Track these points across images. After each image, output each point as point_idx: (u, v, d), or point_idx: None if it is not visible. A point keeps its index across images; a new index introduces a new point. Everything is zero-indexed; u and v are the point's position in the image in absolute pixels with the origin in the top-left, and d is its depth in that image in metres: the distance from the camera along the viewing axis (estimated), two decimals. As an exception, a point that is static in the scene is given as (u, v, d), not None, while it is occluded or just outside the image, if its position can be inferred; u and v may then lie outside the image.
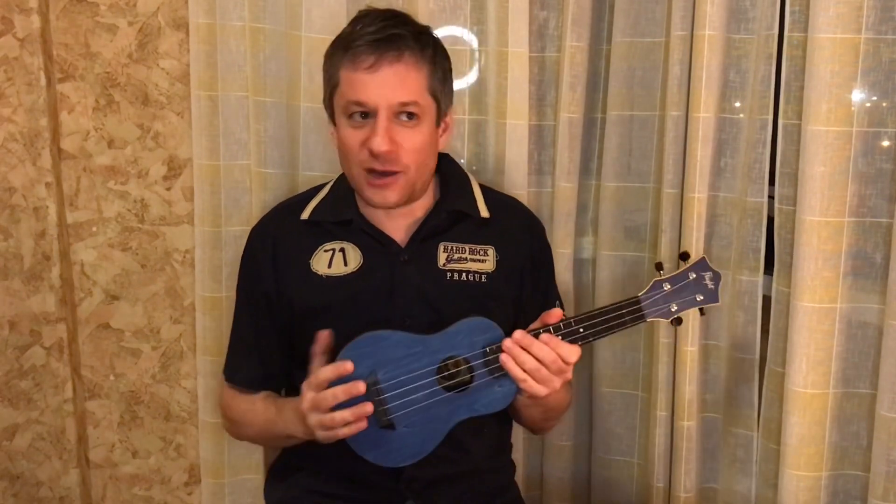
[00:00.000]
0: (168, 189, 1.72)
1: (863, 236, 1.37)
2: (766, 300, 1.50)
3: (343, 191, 1.38)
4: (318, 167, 1.61)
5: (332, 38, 1.55)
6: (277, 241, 1.37)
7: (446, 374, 1.24)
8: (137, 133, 1.69)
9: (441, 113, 1.32)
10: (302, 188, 1.61)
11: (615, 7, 1.57)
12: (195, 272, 1.70)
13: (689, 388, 1.52)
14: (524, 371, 1.21)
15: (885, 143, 1.34)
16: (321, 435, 1.21)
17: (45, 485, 1.78)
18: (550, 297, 1.44)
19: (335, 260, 1.33)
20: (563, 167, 1.61)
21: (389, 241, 1.34)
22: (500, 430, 1.44)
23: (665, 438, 1.58)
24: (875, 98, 1.33)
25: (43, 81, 1.63)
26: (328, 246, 1.34)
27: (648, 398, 1.64)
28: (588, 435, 1.75)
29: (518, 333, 1.22)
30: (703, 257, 1.33)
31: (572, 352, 1.22)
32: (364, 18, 1.27)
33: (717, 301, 1.32)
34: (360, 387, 1.17)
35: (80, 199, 1.71)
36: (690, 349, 1.51)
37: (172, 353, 1.78)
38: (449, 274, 1.34)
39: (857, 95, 1.32)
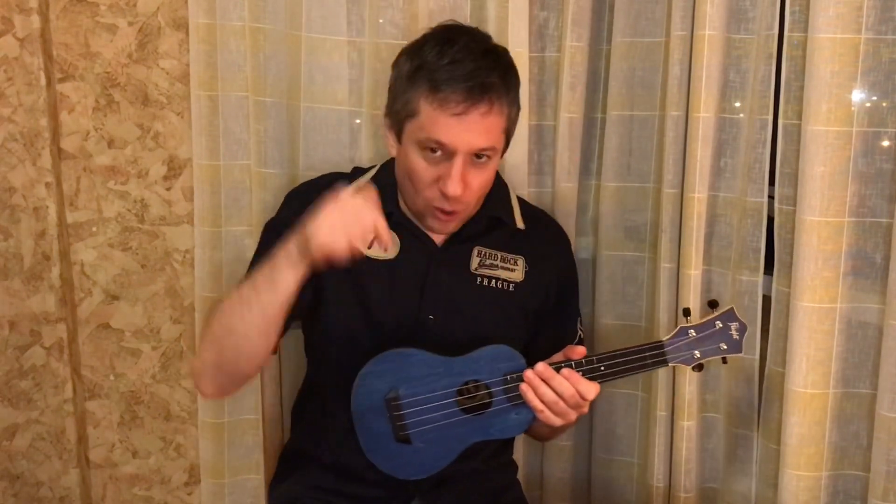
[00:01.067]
0: (168, 189, 1.72)
1: (863, 236, 1.36)
2: (766, 300, 1.50)
3: (386, 184, 1.36)
4: (318, 167, 1.61)
5: (333, 38, 1.57)
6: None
7: (466, 396, 1.26)
8: (137, 133, 1.69)
9: (508, 144, 1.32)
10: (302, 188, 1.61)
11: (615, 7, 1.57)
12: (195, 272, 1.70)
13: (689, 388, 1.52)
14: (542, 402, 1.22)
15: (885, 143, 1.34)
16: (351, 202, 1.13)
17: (45, 485, 1.78)
18: (571, 313, 1.46)
19: (375, 244, 1.33)
20: (563, 167, 1.61)
21: (427, 240, 1.35)
22: None
23: (665, 438, 1.58)
24: (875, 98, 1.33)
25: (43, 81, 1.63)
26: None
27: (648, 398, 1.64)
28: (588, 435, 1.75)
29: (540, 366, 1.23)
30: (732, 308, 1.33)
31: (591, 389, 1.23)
32: (451, 48, 1.21)
33: (740, 351, 1.33)
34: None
35: (80, 199, 1.71)
36: (690, 349, 1.51)
37: (172, 353, 1.78)
38: (479, 278, 1.36)
39: (857, 95, 1.32)
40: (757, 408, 1.53)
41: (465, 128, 1.21)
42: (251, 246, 1.67)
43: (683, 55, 1.47)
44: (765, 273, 1.49)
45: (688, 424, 1.53)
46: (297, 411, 1.51)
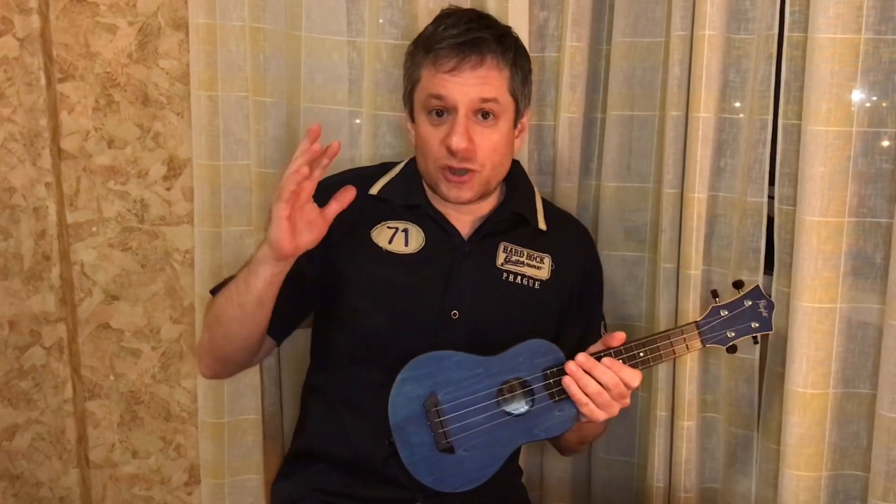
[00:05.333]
0: (168, 189, 1.72)
1: (863, 236, 1.36)
2: (766, 300, 1.50)
3: (413, 175, 1.39)
4: (318, 167, 1.61)
5: (333, 38, 1.57)
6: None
7: (507, 396, 1.22)
8: (137, 133, 1.69)
9: (519, 113, 1.34)
10: (302, 188, 1.61)
11: (615, 7, 1.57)
12: (195, 272, 1.70)
13: (689, 388, 1.52)
14: (586, 395, 1.20)
15: (885, 143, 1.34)
16: (275, 209, 1.17)
17: (45, 485, 1.79)
18: (595, 316, 1.45)
19: (397, 238, 1.34)
20: (563, 167, 1.61)
21: (454, 231, 1.36)
22: None
23: (665, 438, 1.58)
24: (875, 98, 1.33)
25: (43, 81, 1.63)
26: (392, 224, 1.35)
27: (648, 398, 1.64)
28: (588, 435, 1.75)
29: (581, 356, 1.21)
30: (758, 285, 1.34)
31: (634, 376, 1.21)
32: (447, 19, 1.29)
33: (770, 329, 1.33)
34: (314, 147, 1.16)
35: (80, 199, 1.71)
36: (690, 349, 1.51)
37: (172, 353, 1.78)
38: (505, 274, 1.35)
39: (857, 95, 1.32)
40: (757, 408, 1.53)
41: (460, 82, 1.26)
42: (251, 246, 1.67)
43: (683, 55, 1.47)
44: (765, 273, 1.49)
45: (688, 424, 1.53)
46: (304, 409, 1.49)
